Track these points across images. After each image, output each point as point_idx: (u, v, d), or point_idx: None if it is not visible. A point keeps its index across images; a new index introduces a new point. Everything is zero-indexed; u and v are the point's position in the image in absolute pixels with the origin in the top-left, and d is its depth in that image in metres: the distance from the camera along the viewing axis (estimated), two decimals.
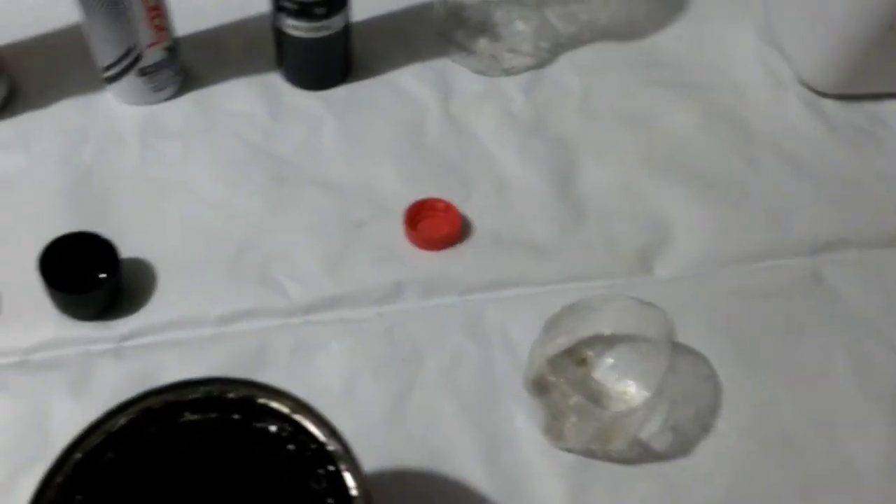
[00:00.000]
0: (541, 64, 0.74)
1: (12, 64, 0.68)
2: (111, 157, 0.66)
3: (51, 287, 0.55)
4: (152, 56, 0.65)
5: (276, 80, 0.71)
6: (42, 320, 0.58)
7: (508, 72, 0.73)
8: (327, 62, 0.70)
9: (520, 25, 0.73)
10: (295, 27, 0.65)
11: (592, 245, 0.64)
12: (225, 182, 0.66)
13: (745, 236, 0.65)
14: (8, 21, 0.67)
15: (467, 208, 0.65)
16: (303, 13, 0.64)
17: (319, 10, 0.64)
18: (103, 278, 0.58)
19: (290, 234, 0.63)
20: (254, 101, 0.70)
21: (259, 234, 0.63)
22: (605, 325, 0.57)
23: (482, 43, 0.72)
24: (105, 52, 0.64)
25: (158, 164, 0.66)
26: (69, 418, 0.54)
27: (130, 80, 0.66)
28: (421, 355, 0.58)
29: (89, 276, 0.58)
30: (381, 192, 0.66)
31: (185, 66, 0.70)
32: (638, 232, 0.65)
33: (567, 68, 0.74)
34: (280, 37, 0.68)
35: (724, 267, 0.64)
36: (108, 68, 0.66)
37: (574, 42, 0.76)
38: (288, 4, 0.63)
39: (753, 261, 0.64)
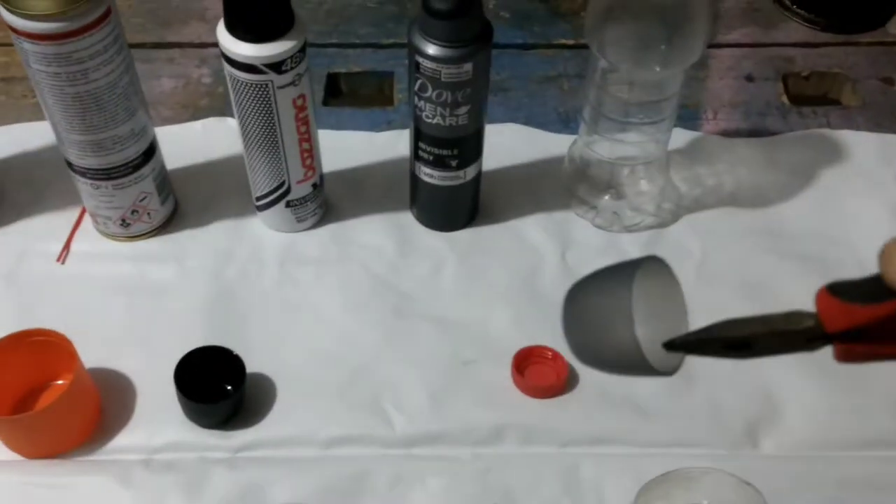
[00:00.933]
0: (662, 224, 0.76)
1: (179, 186, 0.76)
2: (251, 277, 0.72)
3: (182, 394, 0.61)
4: (300, 190, 0.71)
5: (407, 219, 0.77)
6: (170, 423, 0.63)
7: (629, 229, 0.75)
8: (455, 207, 0.75)
9: (644, 185, 0.75)
10: (429, 175, 0.70)
11: (698, 411, 0.64)
12: (349, 310, 0.70)
13: (861, 421, 0.63)
14: (180, 148, 0.76)
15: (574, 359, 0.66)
16: (437, 163, 0.69)
17: (452, 162, 0.69)
18: (228, 390, 0.63)
19: (402, 366, 0.67)
20: (384, 236, 0.75)
21: (373, 362, 0.67)
22: (700, 497, 0.56)
23: (605, 199, 0.75)
24: (260, 183, 0.71)
25: (292, 288, 0.72)
26: None
27: (278, 210, 0.73)
28: (513, 502, 0.59)
29: (217, 386, 0.63)
30: (492, 334, 0.69)
31: (327, 200, 0.77)
32: (746, 403, 0.64)
33: (688, 230, 0.76)
34: (415, 181, 0.73)
35: (833, 451, 0.62)
36: (260, 198, 0.73)
37: (697, 205, 0.78)
38: (424, 155, 0.69)
39: (867, 448, 0.62)
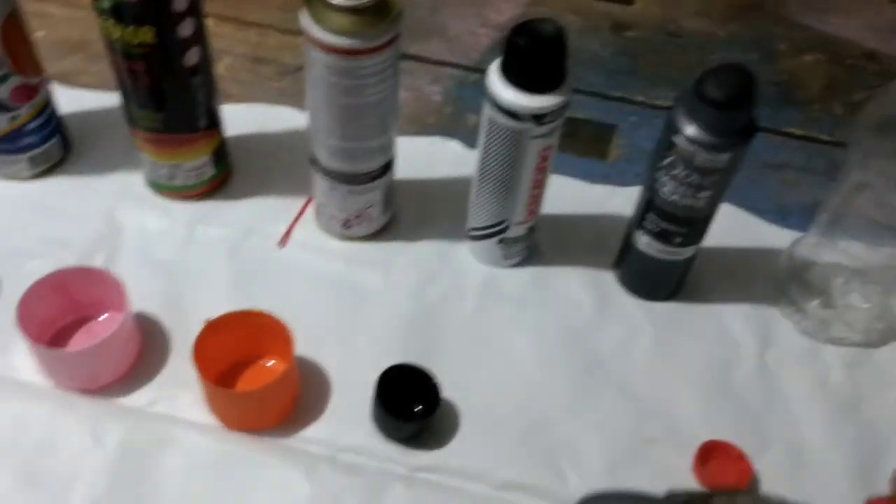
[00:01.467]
0: (870, 344, 0.73)
1: (398, 197, 0.79)
2: (451, 303, 0.74)
3: (381, 405, 0.63)
4: (516, 231, 0.73)
5: (609, 279, 0.77)
6: (358, 428, 0.66)
7: (835, 341, 0.73)
8: (663, 280, 0.75)
9: (858, 300, 0.73)
10: (647, 245, 0.71)
11: None
12: (539, 357, 0.71)
13: None
14: (403, 161, 0.79)
15: (759, 462, 0.65)
16: (661, 237, 0.69)
17: (677, 239, 0.69)
18: (419, 410, 0.65)
19: (583, 427, 0.67)
20: (584, 291, 0.76)
21: (557, 415, 0.68)
22: None
23: (815, 305, 0.73)
24: (479, 216, 0.73)
25: (488, 322, 0.73)
26: None
27: (488, 244, 0.75)
28: None
29: (408, 403, 0.66)
30: (677, 417, 0.68)
31: (535, 243, 0.78)
32: None
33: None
34: (628, 246, 0.74)
35: None
36: (475, 229, 0.75)
37: None
38: (650, 226, 0.69)
39: None
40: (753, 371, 0.71)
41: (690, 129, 0.62)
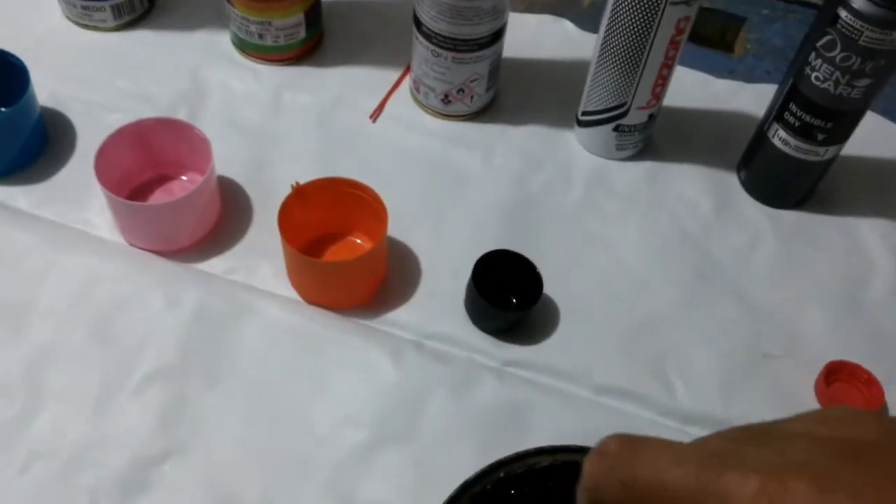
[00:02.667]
0: None
1: (504, 75, 0.72)
2: (556, 192, 0.68)
3: (477, 292, 0.58)
4: (635, 117, 0.66)
5: (730, 180, 0.70)
6: (448, 315, 0.61)
7: None
8: (795, 183, 0.67)
9: None
10: (784, 141, 0.63)
11: None
12: (648, 257, 0.65)
13: None
14: (509, 38, 0.72)
15: (891, 391, 0.58)
16: (802, 132, 0.61)
17: (820, 136, 0.61)
18: (516, 302, 0.60)
19: (694, 336, 0.61)
20: (703, 192, 0.69)
21: (664, 321, 0.62)
22: None
23: None
24: (596, 98, 0.66)
25: (594, 216, 0.67)
26: (441, 413, 0.56)
27: (601, 132, 0.68)
28: None
29: (506, 292, 0.60)
30: (800, 333, 0.62)
31: (652, 136, 0.71)
32: None
33: None
34: (760, 142, 0.66)
35: None
36: (588, 113, 0.68)
37: None
38: (791, 118, 0.61)
39: None
40: (889, 290, 0.64)
41: (859, 1, 0.53)
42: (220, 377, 0.57)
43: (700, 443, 0.24)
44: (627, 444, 0.24)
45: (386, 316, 0.61)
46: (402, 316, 0.61)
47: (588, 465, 0.24)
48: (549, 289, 0.61)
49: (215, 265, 0.62)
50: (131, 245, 0.62)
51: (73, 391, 0.55)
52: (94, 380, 0.56)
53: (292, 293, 0.61)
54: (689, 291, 0.63)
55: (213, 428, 0.55)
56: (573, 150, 0.71)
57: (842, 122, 0.60)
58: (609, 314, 0.62)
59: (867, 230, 0.67)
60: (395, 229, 0.63)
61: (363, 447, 0.54)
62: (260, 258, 0.62)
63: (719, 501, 0.21)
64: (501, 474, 0.37)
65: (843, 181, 0.69)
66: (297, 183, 0.59)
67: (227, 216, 0.65)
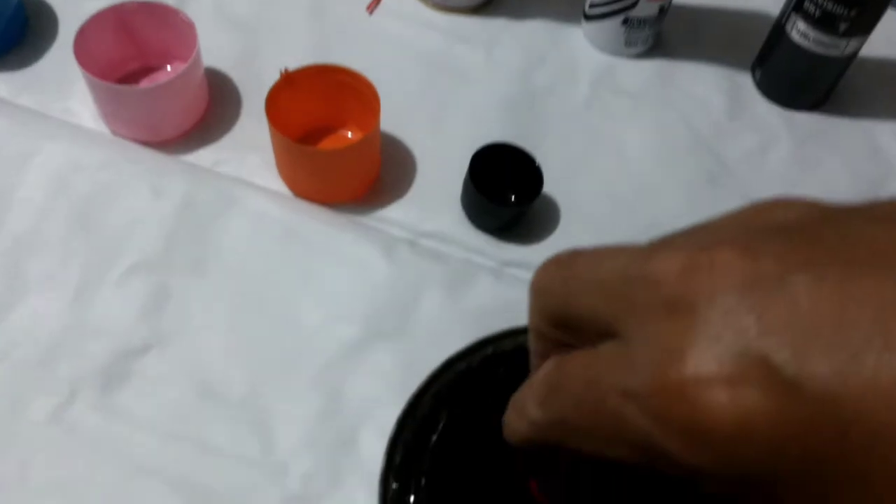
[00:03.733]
0: None
1: None
2: (560, 89, 0.65)
3: (473, 186, 0.55)
4: (645, 9, 0.62)
5: (744, 80, 0.66)
6: (444, 214, 0.58)
7: None
8: (812, 82, 0.63)
9: None
10: (803, 34, 0.59)
11: None
12: (657, 158, 0.62)
13: None
14: None
15: None
16: (823, 22, 0.58)
17: (843, 26, 0.57)
18: (515, 199, 0.57)
19: None
20: (716, 91, 0.65)
21: (671, 224, 0.58)
22: None
23: None
24: None
25: (601, 114, 0.64)
26: (435, 312, 0.54)
27: (609, 25, 0.64)
28: None
29: (505, 188, 0.57)
30: None
31: (663, 31, 0.67)
32: None
33: None
34: (777, 38, 0.62)
35: None
36: (595, 5, 0.64)
37: None
38: (811, 7, 0.58)
39: None
40: None
41: None
42: (206, 270, 0.54)
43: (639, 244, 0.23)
44: (573, 251, 0.23)
45: (379, 213, 0.58)
46: (395, 213, 0.58)
47: (537, 271, 0.24)
48: (550, 187, 0.59)
49: (203, 157, 0.59)
50: (115, 134, 0.59)
51: (53, 280, 0.53)
52: (75, 269, 0.54)
53: (282, 187, 0.59)
54: (698, 195, 0.61)
55: (199, 320, 0.53)
56: (580, 47, 0.67)
57: (869, 8, 0.56)
58: (612, 216, 0.59)
59: (886, 133, 0.64)
60: (390, 125, 0.60)
61: (353, 343, 0.52)
62: (248, 150, 0.59)
63: (647, 284, 0.19)
64: (489, 351, 0.35)
65: (862, 82, 0.66)
66: (287, 69, 0.56)
67: (214, 108, 0.62)
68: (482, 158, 0.56)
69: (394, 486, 0.32)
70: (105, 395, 0.50)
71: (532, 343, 0.25)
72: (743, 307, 0.18)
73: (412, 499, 0.31)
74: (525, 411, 0.23)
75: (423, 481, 0.32)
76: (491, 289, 0.55)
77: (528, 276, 0.56)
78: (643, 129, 0.63)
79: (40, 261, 0.54)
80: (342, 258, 0.55)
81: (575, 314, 0.22)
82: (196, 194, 0.57)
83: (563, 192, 0.59)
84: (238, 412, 0.50)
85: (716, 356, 0.18)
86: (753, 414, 0.17)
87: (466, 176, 0.56)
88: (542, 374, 0.23)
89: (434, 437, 0.33)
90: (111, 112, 0.58)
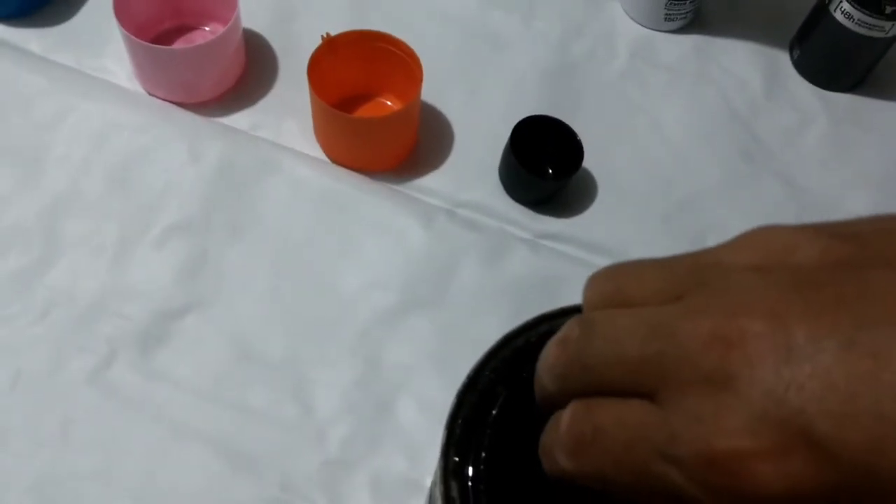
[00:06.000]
0: None
1: None
2: (598, 60, 0.64)
3: (514, 158, 0.55)
4: None
5: (782, 59, 0.66)
6: (481, 184, 0.58)
7: None
8: (853, 63, 0.63)
9: None
10: (847, 14, 0.59)
11: None
12: (693, 134, 0.62)
13: None
14: None
15: None
16: (869, 3, 0.57)
17: (889, 8, 0.57)
18: (553, 172, 0.57)
19: (737, 216, 0.59)
20: (753, 69, 0.65)
21: (706, 200, 0.59)
22: None
23: None
24: None
25: (638, 87, 0.63)
26: (471, 281, 0.54)
27: None
28: None
29: (544, 161, 0.57)
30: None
31: (700, 6, 0.66)
32: None
33: None
34: (819, 17, 0.62)
35: None
36: None
37: None
38: None
39: None
40: None
41: None
42: (243, 233, 0.54)
43: (646, 284, 0.23)
44: (585, 326, 0.23)
45: (416, 182, 0.58)
46: (432, 182, 0.58)
47: (552, 356, 0.24)
48: (586, 161, 0.58)
49: (239, 120, 0.59)
50: (151, 95, 0.59)
51: (91, 240, 0.53)
52: (112, 230, 0.54)
53: (319, 153, 0.58)
54: (733, 171, 0.61)
55: (237, 283, 0.53)
56: (618, 18, 0.66)
57: None
58: (649, 190, 0.59)
59: None
60: (427, 93, 0.59)
61: (390, 310, 0.53)
62: (286, 115, 0.59)
63: (679, 359, 0.20)
64: (546, 328, 0.35)
65: None
66: (329, 34, 0.56)
67: (251, 70, 0.61)
68: (523, 129, 0.56)
69: (455, 458, 0.32)
70: (144, 356, 0.50)
71: (544, 388, 0.25)
72: (781, 381, 0.18)
73: (471, 471, 0.31)
74: (555, 460, 0.24)
75: (482, 455, 0.32)
76: (527, 260, 0.55)
77: (563, 248, 0.56)
78: (680, 104, 0.63)
79: (78, 220, 0.54)
80: (380, 226, 0.55)
81: (601, 386, 0.22)
82: (233, 157, 0.57)
83: (600, 165, 0.59)
84: (276, 376, 0.50)
85: (759, 430, 0.19)
86: (800, 482, 0.18)
87: (507, 147, 0.56)
88: (568, 422, 0.23)
89: (493, 412, 0.33)
90: (148, 72, 0.58)
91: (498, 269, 0.55)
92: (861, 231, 0.21)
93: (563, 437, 0.23)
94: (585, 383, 0.23)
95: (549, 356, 0.25)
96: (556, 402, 0.25)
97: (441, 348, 0.52)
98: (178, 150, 0.56)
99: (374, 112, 0.59)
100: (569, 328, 0.24)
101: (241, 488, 0.47)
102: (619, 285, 0.24)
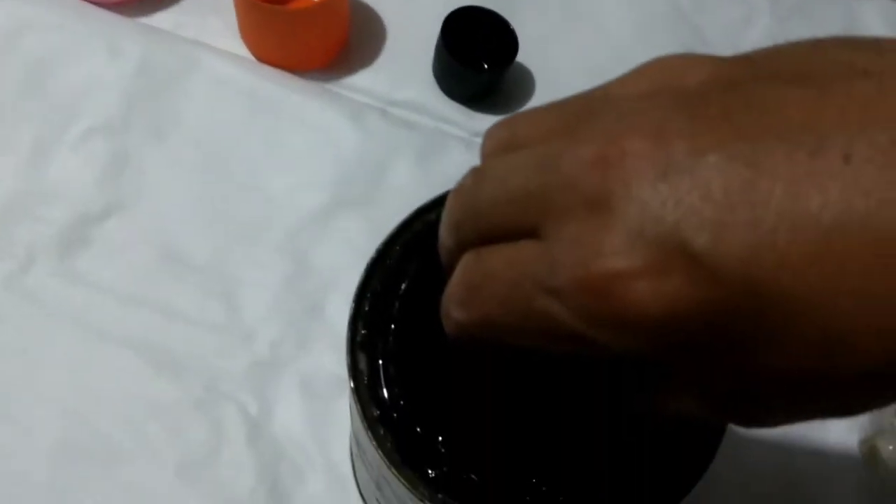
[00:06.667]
0: None
1: None
2: None
3: (446, 51, 0.53)
4: None
5: None
6: (415, 81, 0.56)
7: None
8: None
9: None
10: None
11: None
12: (635, 30, 0.60)
13: None
14: None
15: None
16: None
17: None
18: (488, 66, 0.55)
19: None
20: None
21: None
22: None
23: None
24: None
25: None
26: (404, 180, 0.53)
27: None
28: None
29: (478, 55, 0.55)
30: None
31: None
32: None
33: None
34: None
35: None
36: None
37: None
38: None
39: None
40: None
41: None
42: (166, 134, 0.52)
43: (537, 126, 0.22)
44: (478, 172, 0.22)
45: (347, 80, 0.56)
46: (364, 80, 0.56)
47: (447, 205, 0.23)
48: (524, 57, 0.57)
49: (161, 20, 0.57)
50: None
51: (5, 143, 0.51)
52: (28, 132, 0.51)
53: (245, 52, 0.56)
54: None
55: (160, 185, 0.51)
56: None
57: None
58: (587, 86, 0.57)
59: (868, 12, 0.63)
60: None
61: (320, 210, 0.51)
62: (209, 13, 0.57)
63: (562, 186, 0.19)
64: None
65: None
66: None
67: None
68: (455, 22, 0.54)
69: (362, 331, 0.31)
70: (64, 261, 0.48)
71: (443, 244, 0.24)
72: (657, 196, 0.18)
73: (380, 344, 0.30)
74: (449, 312, 0.23)
75: (391, 327, 0.31)
76: (462, 158, 0.54)
77: None
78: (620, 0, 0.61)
79: None
80: (309, 125, 0.53)
81: (491, 230, 0.22)
82: (155, 57, 0.54)
83: (539, 62, 0.58)
84: (203, 278, 0.49)
85: (636, 248, 0.18)
86: (678, 301, 0.18)
87: (439, 40, 0.54)
88: (461, 272, 0.23)
89: (403, 286, 0.32)
90: None
91: (432, 168, 0.53)
92: (752, 55, 0.20)
93: (454, 288, 0.23)
94: (478, 230, 0.22)
95: (446, 208, 0.24)
96: (457, 259, 0.24)
97: (372, 247, 0.51)
98: (97, 51, 0.54)
99: (302, 4, 0.57)
100: (464, 177, 0.23)
101: (167, 391, 0.46)
102: (513, 131, 0.23)
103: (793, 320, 0.17)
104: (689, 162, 0.18)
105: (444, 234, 0.24)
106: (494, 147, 0.24)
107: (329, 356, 0.48)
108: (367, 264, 0.32)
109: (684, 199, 0.17)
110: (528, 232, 0.21)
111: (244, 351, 0.47)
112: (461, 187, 0.23)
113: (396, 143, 0.54)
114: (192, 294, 0.48)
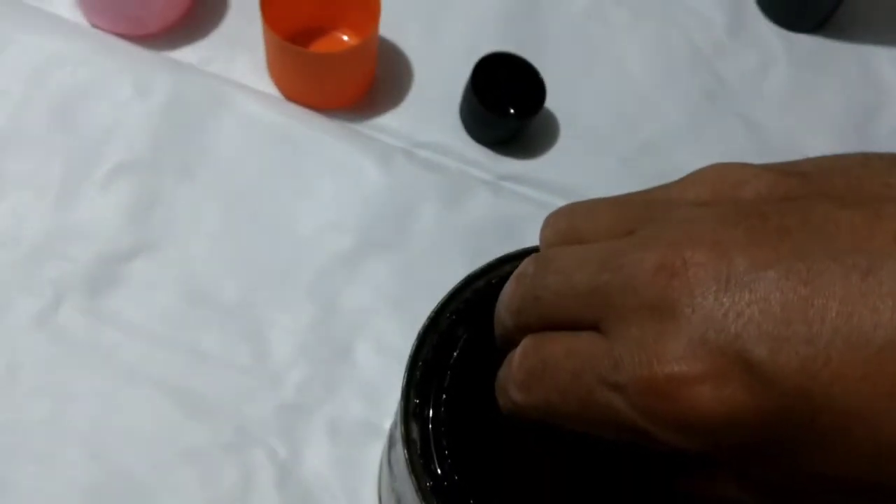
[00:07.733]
0: None
1: None
2: None
3: (474, 97, 0.53)
4: None
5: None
6: (440, 123, 0.57)
7: None
8: (814, 4, 0.62)
9: None
10: None
11: None
12: (656, 74, 0.61)
13: None
14: None
15: None
16: None
17: None
18: (515, 111, 0.56)
19: (698, 158, 0.58)
20: (717, 8, 0.64)
21: (668, 141, 0.59)
22: None
23: None
24: None
25: (600, 24, 0.62)
26: (430, 223, 0.53)
27: None
28: None
29: (506, 100, 0.56)
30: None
31: None
32: None
33: None
34: None
35: None
36: None
37: None
38: None
39: None
40: None
41: None
42: (194, 173, 0.52)
43: (597, 221, 0.24)
44: (540, 261, 0.24)
45: (374, 121, 0.56)
46: (391, 121, 0.57)
47: (509, 291, 0.25)
48: (549, 101, 0.57)
49: (188, 55, 0.57)
50: (94, 26, 0.56)
51: (34, 179, 0.51)
52: (56, 169, 0.51)
53: (273, 89, 0.56)
54: (695, 112, 0.60)
55: (188, 225, 0.51)
56: None
57: None
58: (612, 131, 0.58)
59: (883, 61, 0.64)
60: (385, 28, 0.58)
61: (347, 253, 0.52)
62: (237, 49, 0.57)
63: (625, 289, 0.21)
64: (507, 269, 0.34)
65: (862, 8, 0.65)
66: None
67: (200, 1, 0.58)
68: (485, 67, 0.55)
69: (415, 400, 0.31)
70: (92, 300, 0.48)
71: (502, 323, 0.25)
72: (720, 307, 0.19)
73: (431, 413, 0.31)
74: (508, 395, 0.24)
75: (443, 397, 0.31)
76: (488, 202, 0.54)
77: (525, 190, 0.55)
78: (643, 43, 0.62)
79: (19, 158, 0.51)
80: (336, 166, 0.54)
81: (552, 319, 0.23)
82: (183, 93, 0.54)
83: (562, 106, 0.58)
84: (230, 320, 0.49)
85: (698, 355, 0.19)
86: (736, 406, 0.19)
87: (468, 85, 0.54)
88: (521, 356, 0.24)
89: (454, 354, 0.32)
90: (90, 1, 0.55)
91: (458, 211, 0.54)
92: (805, 169, 0.22)
93: (514, 371, 0.24)
94: (538, 317, 0.24)
95: (507, 292, 0.25)
96: (514, 340, 0.25)
97: (399, 291, 0.51)
98: (124, 86, 0.54)
99: (330, 47, 0.57)
100: (525, 264, 0.25)
101: (196, 433, 0.46)
102: (573, 223, 0.25)
103: (846, 432, 0.18)
104: (749, 276, 0.19)
105: (504, 316, 0.25)
106: (555, 237, 0.25)
107: (357, 400, 0.48)
108: (419, 332, 0.33)
109: (745, 312, 0.19)
110: (589, 325, 0.22)
111: (272, 394, 0.47)
112: (523, 274, 0.25)
113: (423, 186, 0.54)
114: (219, 335, 0.48)
